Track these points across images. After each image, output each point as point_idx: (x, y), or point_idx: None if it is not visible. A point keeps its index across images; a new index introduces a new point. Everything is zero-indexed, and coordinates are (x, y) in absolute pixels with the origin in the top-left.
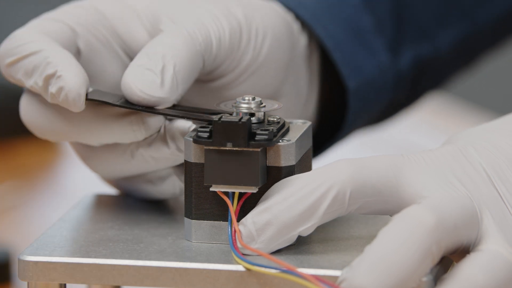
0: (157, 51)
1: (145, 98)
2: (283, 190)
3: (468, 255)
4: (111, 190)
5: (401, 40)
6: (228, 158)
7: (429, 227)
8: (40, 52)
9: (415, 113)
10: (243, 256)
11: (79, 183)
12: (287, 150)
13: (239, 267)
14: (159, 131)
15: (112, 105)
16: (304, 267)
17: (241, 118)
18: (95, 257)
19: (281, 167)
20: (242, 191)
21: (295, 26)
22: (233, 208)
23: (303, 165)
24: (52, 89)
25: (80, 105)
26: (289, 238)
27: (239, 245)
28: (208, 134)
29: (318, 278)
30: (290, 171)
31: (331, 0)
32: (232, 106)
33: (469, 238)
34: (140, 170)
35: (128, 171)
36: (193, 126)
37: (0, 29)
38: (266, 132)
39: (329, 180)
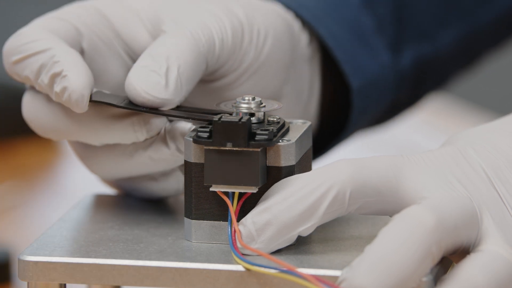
0: (161, 52)
1: (149, 99)
2: (283, 190)
3: (468, 256)
4: (111, 190)
5: (402, 40)
6: (228, 158)
7: (429, 227)
8: (48, 51)
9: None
10: (243, 256)
11: (79, 183)
12: (287, 150)
13: (239, 267)
14: (159, 132)
15: (116, 106)
16: (304, 267)
17: (241, 118)
18: (95, 257)
19: (281, 167)
20: (242, 191)
21: (296, 26)
22: (233, 208)
23: (303, 165)
24: (57, 88)
25: (83, 106)
26: (289, 238)
27: (239, 245)
28: (208, 134)
29: (318, 278)
30: (290, 171)
31: (331, 0)
32: (232, 106)
33: (469, 238)
34: (139, 171)
35: (127, 172)
36: (193, 127)
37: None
38: (266, 132)
39: (329, 180)
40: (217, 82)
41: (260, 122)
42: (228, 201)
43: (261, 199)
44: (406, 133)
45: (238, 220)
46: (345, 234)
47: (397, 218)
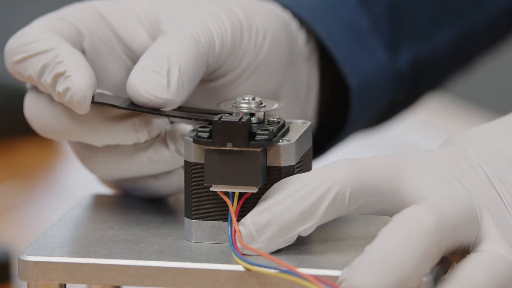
0: (161, 53)
1: (152, 100)
2: (283, 190)
3: (468, 256)
4: (110, 191)
5: (399, 40)
6: (228, 158)
7: (429, 227)
8: (52, 51)
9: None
10: (243, 256)
11: (79, 183)
12: (287, 150)
13: (239, 267)
14: (160, 133)
15: (118, 107)
16: (304, 267)
17: (241, 118)
18: (95, 257)
19: (281, 167)
20: (242, 191)
21: (293, 25)
22: (233, 208)
23: (303, 165)
24: (59, 88)
25: (85, 107)
26: (289, 238)
27: (239, 245)
28: (208, 134)
29: (318, 278)
30: (290, 171)
31: (328, 0)
32: (232, 106)
33: (469, 238)
34: (138, 172)
35: (127, 173)
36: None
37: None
38: (266, 132)
39: (329, 180)
40: (217, 81)
41: (260, 122)
42: (228, 201)
43: (261, 199)
44: (405, 133)
45: (238, 220)
46: (345, 234)
47: (397, 218)
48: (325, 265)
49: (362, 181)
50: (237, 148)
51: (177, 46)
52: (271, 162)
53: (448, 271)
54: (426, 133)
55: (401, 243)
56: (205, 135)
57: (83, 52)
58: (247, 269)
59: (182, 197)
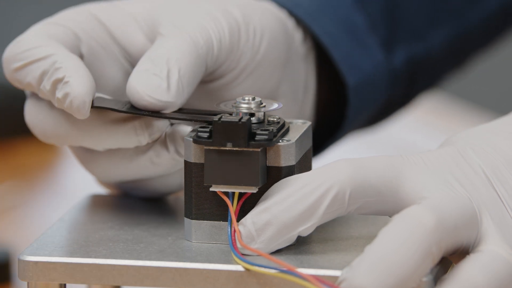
0: (160, 56)
1: (152, 102)
2: (282, 190)
3: (467, 256)
4: (110, 191)
5: (394, 40)
6: (228, 158)
7: (429, 227)
8: (50, 57)
9: (413, 112)
10: (243, 256)
11: (79, 183)
12: (287, 150)
13: (239, 267)
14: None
15: (118, 111)
16: (304, 267)
17: (241, 118)
18: (95, 257)
19: (281, 167)
20: (242, 191)
21: (289, 24)
22: (233, 208)
23: (303, 165)
24: (59, 94)
25: (84, 112)
26: (289, 238)
27: (239, 245)
28: (208, 134)
29: (317, 278)
30: (290, 171)
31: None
32: (232, 106)
33: (468, 238)
34: (139, 174)
35: (128, 175)
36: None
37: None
38: (266, 132)
39: (328, 180)
40: (215, 82)
41: (260, 122)
42: (228, 201)
43: (261, 199)
44: (404, 133)
45: (238, 220)
46: (345, 234)
47: (397, 218)
48: (325, 265)
49: (362, 181)
50: (237, 148)
51: (176, 48)
52: (271, 162)
53: (448, 271)
54: (425, 132)
55: (401, 243)
56: (205, 135)
57: (81, 56)
58: (247, 269)
59: (182, 197)
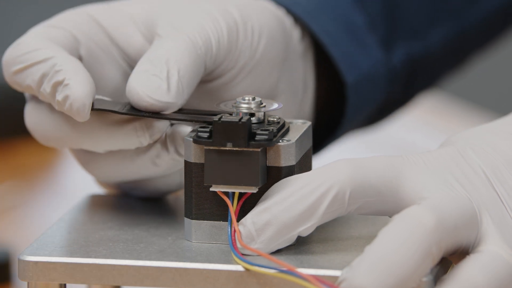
0: (159, 56)
1: (152, 103)
2: (282, 190)
3: (467, 256)
4: (109, 191)
5: (393, 39)
6: (228, 158)
7: (429, 227)
8: (49, 60)
9: (412, 112)
10: (243, 256)
11: (79, 183)
12: (287, 150)
13: (239, 267)
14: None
15: (118, 113)
16: (304, 267)
17: (241, 118)
18: (95, 257)
19: (281, 167)
20: (242, 191)
21: (287, 22)
22: (233, 208)
23: (303, 165)
24: (59, 96)
25: (84, 115)
26: (289, 238)
27: (238, 245)
28: (208, 134)
29: (317, 278)
30: (290, 171)
31: None
32: (232, 106)
33: (468, 239)
34: (140, 175)
35: (129, 176)
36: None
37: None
38: (266, 132)
39: (328, 180)
40: (214, 82)
41: (260, 122)
42: (228, 201)
43: (261, 199)
44: (403, 132)
45: (238, 220)
46: (345, 234)
47: (397, 218)
48: (325, 265)
49: (362, 181)
50: (237, 148)
51: (175, 49)
52: (271, 162)
53: (448, 272)
54: (424, 132)
55: (401, 243)
56: (205, 135)
57: (80, 59)
58: (247, 269)
59: (182, 197)
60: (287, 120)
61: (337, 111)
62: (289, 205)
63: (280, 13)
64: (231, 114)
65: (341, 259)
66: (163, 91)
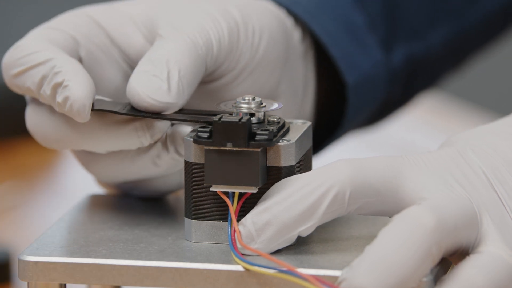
0: (160, 57)
1: (153, 104)
2: (283, 190)
3: (467, 257)
4: (109, 191)
5: (393, 39)
6: (228, 158)
7: (429, 227)
8: (49, 62)
9: (412, 112)
10: (243, 256)
11: (79, 183)
12: (287, 150)
13: (239, 267)
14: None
15: (118, 113)
16: (304, 267)
17: (241, 118)
18: (95, 257)
19: (281, 167)
20: (242, 191)
21: (288, 23)
22: (233, 208)
23: (303, 165)
24: (59, 98)
25: (85, 115)
26: (289, 238)
27: (238, 245)
28: (208, 134)
29: (317, 278)
30: (290, 171)
31: None
32: (232, 106)
33: (468, 239)
34: (141, 175)
35: (130, 176)
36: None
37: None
38: (266, 132)
39: (329, 180)
40: (215, 83)
41: (260, 122)
42: (228, 201)
43: (261, 199)
44: (403, 132)
45: (238, 220)
46: (345, 234)
47: (397, 218)
48: (325, 265)
49: (362, 181)
50: (237, 148)
51: (176, 49)
52: (271, 162)
53: (448, 272)
54: (424, 132)
55: (401, 243)
56: (205, 135)
57: (80, 60)
58: (247, 269)
59: (182, 197)
60: (287, 120)
61: (337, 111)
62: (289, 205)
63: (281, 14)
64: (231, 114)
65: (341, 259)
66: (164, 92)
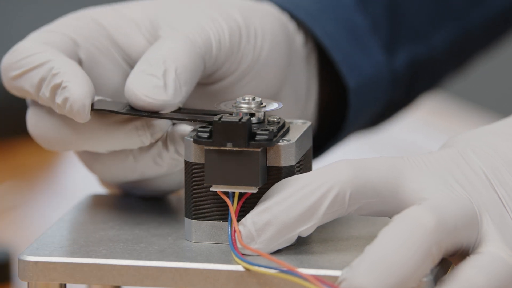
0: (157, 56)
1: (150, 102)
2: (283, 190)
3: (468, 257)
4: (110, 191)
5: (396, 41)
6: (228, 158)
7: (429, 228)
8: (47, 63)
9: (414, 113)
10: (243, 256)
11: (79, 183)
12: (287, 150)
13: (239, 267)
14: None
15: (118, 113)
16: (304, 267)
17: (241, 118)
18: (95, 257)
19: (281, 167)
20: (242, 191)
21: (291, 26)
22: (233, 208)
23: (303, 165)
24: (58, 99)
25: (85, 115)
26: (289, 238)
27: (239, 245)
28: (208, 134)
29: (318, 278)
30: (290, 171)
31: (325, 1)
32: (232, 106)
33: (469, 240)
34: (143, 174)
35: (132, 176)
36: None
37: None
38: (266, 132)
39: (329, 181)
40: (216, 84)
41: (260, 122)
42: (228, 201)
43: (261, 199)
44: (405, 133)
45: (238, 220)
46: (345, 234)
47: (397, 218)
48: (325, 265)
49: (363, 182)
50: (237, 148)
51: (173, 48)
52: (271, 162)
53: (448, 272)
54: (425, 133)
55: (401, 243)
56: (205, 135)
57: (80, 61)
58: (247, 269)
59: (182, 196)
60: (287, 120)
61: (339, 114)
62: (289, 205)
63: (283, 18)
64: (231, 114)
65: (341, 259)
66: (160, 90)
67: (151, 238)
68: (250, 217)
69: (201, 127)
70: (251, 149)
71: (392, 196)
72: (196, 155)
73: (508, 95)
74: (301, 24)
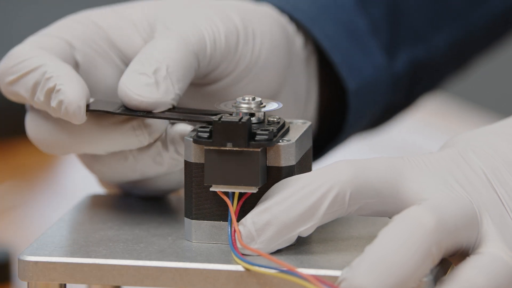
0: (149, 55)
1: (142, 101)
2: (283, 191)
3: (468, 258)
4: (110, 191)
5: (396, 43)
6: (228, 158)
7: (429, 228)
8: (40, 68)
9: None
10: (243, 256)
11: (79, 183)
12: (287, 150)
13: (239, 267)
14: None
15: (113, 113)
16: (304, 267)
17: (241, 118)
18: (95, 257)
19: (281, 167)
20: (242, 191)
21: (290, 29)
22: (233, 208)
23: (303, 165)
24: (53, 103)
25: (80, 117)
26: (289, 238)
27: (239, 245)
28: (208, 134)
29: (317, 278)
30: (290, 171)
31: (325, 3)
32: (232, 106)
33: (469, 240)
34: (143, 174)
35: (132, 176)
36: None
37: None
38: (266, 132)
39: (329, 181)
40: (214, 85)
41: (260, 122)
42: (228, 201)
43: (261, 199)
44: (405, 134)
45: (238, 220)
46: (345, 234)
47: (397, 218)
48: (325, 265)
49: (363, 182)
50: (237, 148)
51: (165, 47)
52: (271, 162)
53: (448, 272)
54: (426, 133)
55: (401, 243)
56: (205, 135)
57: (77, 64)
58: (247, 269)
59: (182, 196)
60: (287, 120)
61: (339, 116)
62: (289, 205)
63: (282, 20)
64: (231, 114)
65: (341, 259)
66: (152, 88)
67: (151, 238)
68: (250, 217)
69: (201, 127)
70: (251, 149)
71: (392, 196)
72: (196, 155)
73: (508, 95)
74: (300, 26)
